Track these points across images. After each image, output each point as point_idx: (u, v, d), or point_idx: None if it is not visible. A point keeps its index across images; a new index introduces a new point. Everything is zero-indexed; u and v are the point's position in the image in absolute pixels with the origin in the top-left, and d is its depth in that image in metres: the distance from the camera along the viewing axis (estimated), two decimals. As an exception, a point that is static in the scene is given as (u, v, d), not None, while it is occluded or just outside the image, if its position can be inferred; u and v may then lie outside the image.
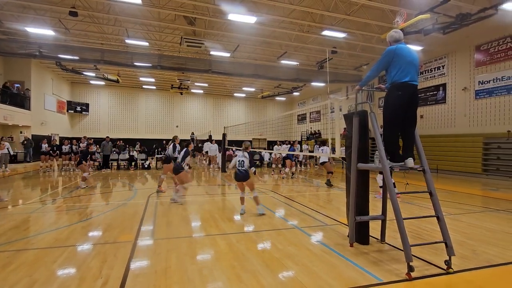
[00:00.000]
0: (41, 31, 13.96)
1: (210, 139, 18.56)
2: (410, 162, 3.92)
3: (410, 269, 3.28)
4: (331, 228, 5.33)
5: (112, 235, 4.79)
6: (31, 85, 19.35)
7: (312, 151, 18.59)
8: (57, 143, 16.66)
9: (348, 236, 4.45)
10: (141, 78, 24.31)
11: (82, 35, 15.43)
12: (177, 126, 29.11)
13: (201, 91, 29.17)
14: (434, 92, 16.13)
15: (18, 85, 18.49)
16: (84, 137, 16.91)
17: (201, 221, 5.76)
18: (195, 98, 30.27)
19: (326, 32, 13.82)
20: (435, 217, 3.66)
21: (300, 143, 23.85)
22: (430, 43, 14.80)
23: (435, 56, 15.99)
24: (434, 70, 16.17)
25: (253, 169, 6.16)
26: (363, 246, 4.31)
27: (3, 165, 13.86)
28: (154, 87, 27.86)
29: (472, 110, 14.18)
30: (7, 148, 14.12)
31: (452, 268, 3.48)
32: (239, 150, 6.56)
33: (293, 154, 13.38)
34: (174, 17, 13.50)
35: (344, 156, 4.90)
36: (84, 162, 10.01)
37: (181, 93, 26.87)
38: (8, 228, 5.10)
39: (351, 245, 4.26)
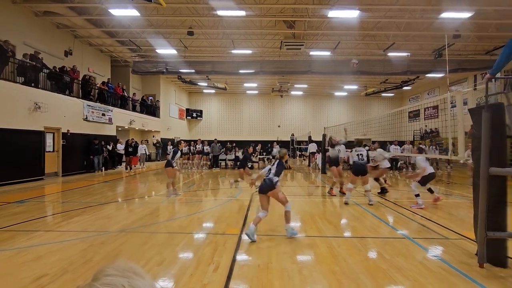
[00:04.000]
0: (166, 51, 16.83)
1: (310, 140, 18.55)
2: None
3: None
4: (453, 242, 4.55)
5: (221, 227, 5.32)
6: (160, 97, 23.41)
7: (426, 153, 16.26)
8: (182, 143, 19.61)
9: (476, 254, 3.70)
10: (245, 84, 26.17)
11: (196, 51, 17.76)
12: (279, 126, 30.05)
13: (301, 93, 29.34)
14: None
15: (151, 97, 22.60)
16: (199, 139, 19.32)
17: (301, 221, 5.79)
18: (295, 99, 30.66)
19: (445, 15, 11.86)
20: None
21: (412, 143, 21.21)
22: None
23: None
24: None
25: (275, 178, 4.76)
26: (498, 268, 3.52)
27: (142, 162, 17.21)
28: (256, 92, 29.56)
29: None
30: (144, 149, 17.45)
31: None
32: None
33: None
34: (274, 23, 14.04)
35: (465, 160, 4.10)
36: (241, 169, 9.94)
37: (281, 96, 27.64)
38: (145, 214, 6.28)
39: (481, 266, 3.52)
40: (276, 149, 16.15)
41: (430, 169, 7.16)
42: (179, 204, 7.55)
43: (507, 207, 3.65)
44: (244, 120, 30.84)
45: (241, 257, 3.92)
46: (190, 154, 18.37)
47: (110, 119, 16.29)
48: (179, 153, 8.67)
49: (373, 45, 16.36)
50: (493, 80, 3.66)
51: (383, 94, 27.76)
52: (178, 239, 4.62)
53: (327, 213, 6.49)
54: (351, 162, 7.80)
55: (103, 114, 15.73)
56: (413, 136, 24.54)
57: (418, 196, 7.08)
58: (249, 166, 9.83)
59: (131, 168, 16.06)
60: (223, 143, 19.51)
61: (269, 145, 21.72)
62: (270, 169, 4.93)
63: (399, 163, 17.01)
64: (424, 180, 7.19)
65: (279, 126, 30.23)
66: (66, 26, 14.21)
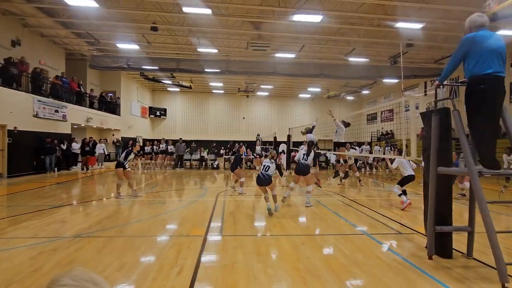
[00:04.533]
0: (128, 46, 16.10)
1: (276, 141, 18.81)
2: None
3: (506, 291, 2.81)
4: (406, 237, 4.88)
5: (186, 229, 5.20)
6: (121, 93, 22.29)
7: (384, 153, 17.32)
8: (141, 144, 18.84)
9: (426, 247, 4.02)
10: (210, 83, 25.83)
11: (161, 47, 17.18)
12: (243, 118, 30.41)
13: (266, 93, 29.64)
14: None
15: (111, 94, 21.45)
16: (163, 139, 18.72)
17: (266, 221, 5.86)
18: (261, 100, 30.87)
19: (400, 24, 12.72)
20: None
21: (370, 144, 22.43)
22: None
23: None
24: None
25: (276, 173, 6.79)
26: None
27: (100, 163, 16.26)
28: (222, 91, 29.33)
29: None
30: (103, 148, 16.50)
31: None
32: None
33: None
34: (241, 23, 14.04)
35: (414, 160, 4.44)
36: (238, 167, 9.38)
37: (247, 96, 27.72)
38: (103, 217, 5.94)
39: (430, 258, 3.83)
40: (259, 148, 17.25)
41: (410, 172, 7.20)
42: (141, 206, 7.25)
43: (452, 203, 4.00)
44: (210, 119, 30.45)
45: (206, 258, 3.86)
46: (153, 154, 17.73)
47: (64, 116, 15.18)
48: (132, 155, 8.33)
49: (335, 49, 17.02)
50: (441, 86, 3.99)
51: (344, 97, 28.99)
52: (139, 242, 4.44)
53: (291, 212, 6.63)
54: (296, 160, 8.24)
55: (56, 111, 14.62)
56: (371, 138, 25.94)
57: (401, 195, 7.12)
58: (240, 166, 9.79)
59: (87, 169, 15.12)
60: (188, 143, 19.10)
61: (236, 144, 21.67)
62: (269, 166, 6.43)
63: (358, 163, 17.88)
64: (403, 182, 7.27)
65: (243, 118, 30.41)
66: (13, 13, 12.97)
